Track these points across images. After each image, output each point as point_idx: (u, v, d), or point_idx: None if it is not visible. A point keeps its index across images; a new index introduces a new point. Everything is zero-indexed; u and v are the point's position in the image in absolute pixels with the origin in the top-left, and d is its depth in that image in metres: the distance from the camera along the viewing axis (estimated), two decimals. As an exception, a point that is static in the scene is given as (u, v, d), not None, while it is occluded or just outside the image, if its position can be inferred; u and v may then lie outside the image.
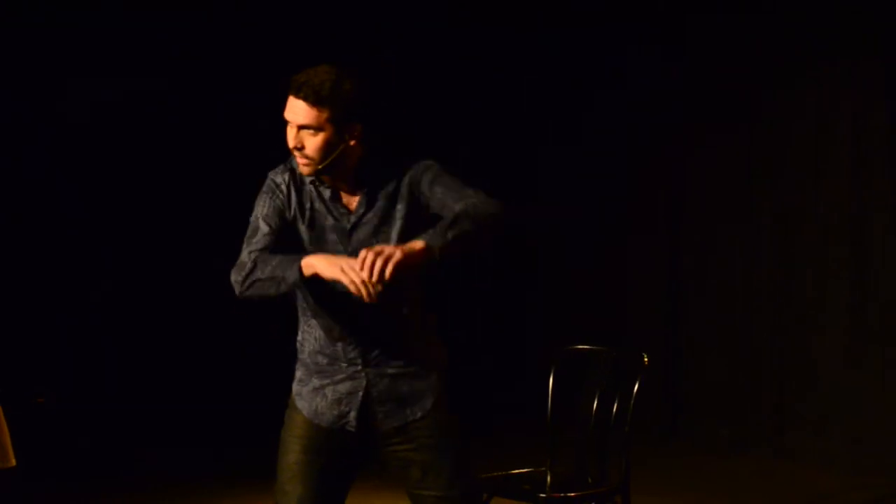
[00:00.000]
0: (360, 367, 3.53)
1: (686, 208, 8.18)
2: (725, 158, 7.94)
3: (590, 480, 4.73)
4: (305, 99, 3.34)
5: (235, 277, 3.42)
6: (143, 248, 8.24)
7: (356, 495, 3.77)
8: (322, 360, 3.57)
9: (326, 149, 3.37)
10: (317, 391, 3.58)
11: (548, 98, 8.81)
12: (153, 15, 8.02)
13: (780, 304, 7.66)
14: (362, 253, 3.16)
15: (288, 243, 3.48)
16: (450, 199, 3.40)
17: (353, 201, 3.49)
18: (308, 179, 3.49)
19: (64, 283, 8.00)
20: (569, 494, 4.59)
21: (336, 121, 3.36)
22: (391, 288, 3.17)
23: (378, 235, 3.47)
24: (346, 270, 3.16)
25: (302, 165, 3.43)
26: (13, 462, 5.61)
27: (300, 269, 3.30)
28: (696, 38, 8.06)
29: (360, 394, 3.54)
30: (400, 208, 3.47)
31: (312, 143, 3.37)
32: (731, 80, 7.85)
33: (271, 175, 3.56)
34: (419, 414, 3.57)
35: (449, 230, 3.26)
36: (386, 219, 3.47)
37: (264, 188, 3.55)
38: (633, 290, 8.41)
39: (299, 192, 3.51)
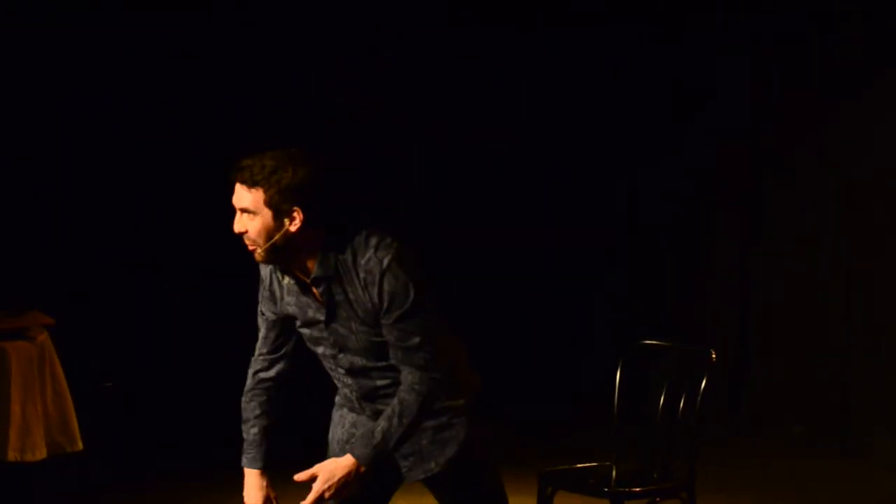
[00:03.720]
0: (375, 416, 3.55)
1: (759, 207, 8.15)
2: (800, 156, 7.92)
3: (655, 476, 4.72)
4: (242, 182, 3.36)
5: (248, 372, 3.66)
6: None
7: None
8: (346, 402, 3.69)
9: (266, 233, 3.36)
10: (341, 419, 3.68)
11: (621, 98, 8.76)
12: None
13: (850, 302, 7.65)
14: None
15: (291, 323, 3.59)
16: (395, 357, 3.43)
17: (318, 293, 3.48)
18: (272, 271, 3.52)
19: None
20: (634, 489, 4.61)
21: (272, 204, 3.33)
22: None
23: (351, 323, 3.44)
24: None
25: (250, 249, 3.44)
26: (80, 446, 5.68)
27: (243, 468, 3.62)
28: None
29: None
30: (362, 296, 3.41)
31: (252, 226, 3.37)
32: (809, 83, 7.85)
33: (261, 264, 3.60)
34: (443, 463, 3.58)
35: (379, 444, 3.38)
36: (351, 306, 3.43)
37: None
38: (702, 287, 8.38)
39: (280, 285, 3.53)
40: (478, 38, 8.72)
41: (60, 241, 7.86)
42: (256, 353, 3.66)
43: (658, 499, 4.67)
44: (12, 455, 5.36)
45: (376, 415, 3.50)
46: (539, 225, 8.96)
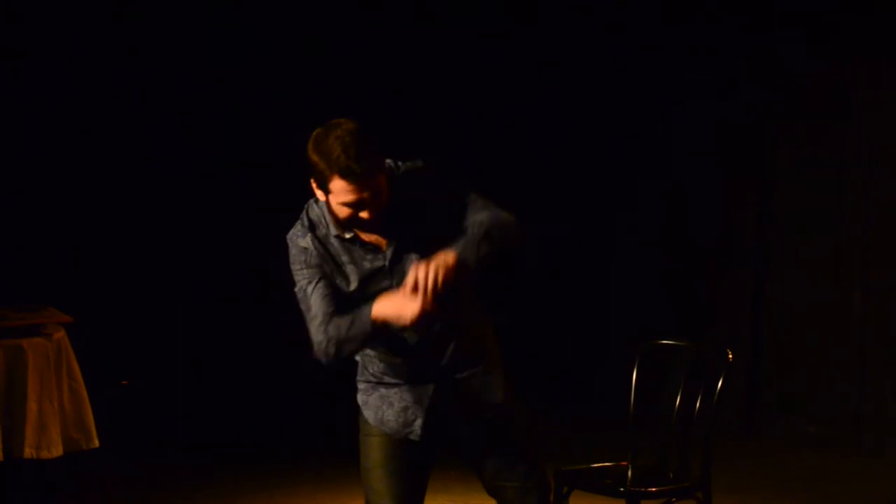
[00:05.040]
0: (425, 378, 3.61)
1: (774, 205, 8.14)
2: (815, 153, 7.90)
3: (671, 475, 4.73)
4: (364, 174, 3.31)
5: (323, 357, 3.44)
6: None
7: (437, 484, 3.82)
8: (386, 378, 3.65)
9: (385, 198, 3.39)
10: (383, 399, 3.66)
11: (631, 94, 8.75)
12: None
13: (865, 302, 7.65)
14: (410, 277, 3.24)
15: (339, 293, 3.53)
16: (474, 211, 3.44)
17: (381, 239, 3.49)
18: (333, 234, 3.49)
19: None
20: (650, 489, 4.61)
21: (383, 169, 3.38)
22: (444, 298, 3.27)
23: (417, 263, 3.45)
24: (407, 310, 3.27)
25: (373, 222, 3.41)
26: (97, 443, 5.69)
27: (372, 322, 3.37)
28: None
29: (426, 402, 3.61)
30: (429, 230, 3.45)
31: (379, 201, 3.36)
32: (822, 78, 7.85)
33: (292, 240, 3.53)
34: (491, 408, 3.64)
35: (480, 244, 3.34)
36: (418, 245, 3.46)
37: (292, 255, 3.53)
38: (717, 286, 8.36)
39: (326, 249, 3.50)
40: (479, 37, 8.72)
41: (71, 239, 7.85)
42: (320, 318, 3.44)
43: (674, 499, 4.67)
44: (28, 452, 5.38)
45: (422, 375, 3.56)
46: (542, 223, 8.98)
